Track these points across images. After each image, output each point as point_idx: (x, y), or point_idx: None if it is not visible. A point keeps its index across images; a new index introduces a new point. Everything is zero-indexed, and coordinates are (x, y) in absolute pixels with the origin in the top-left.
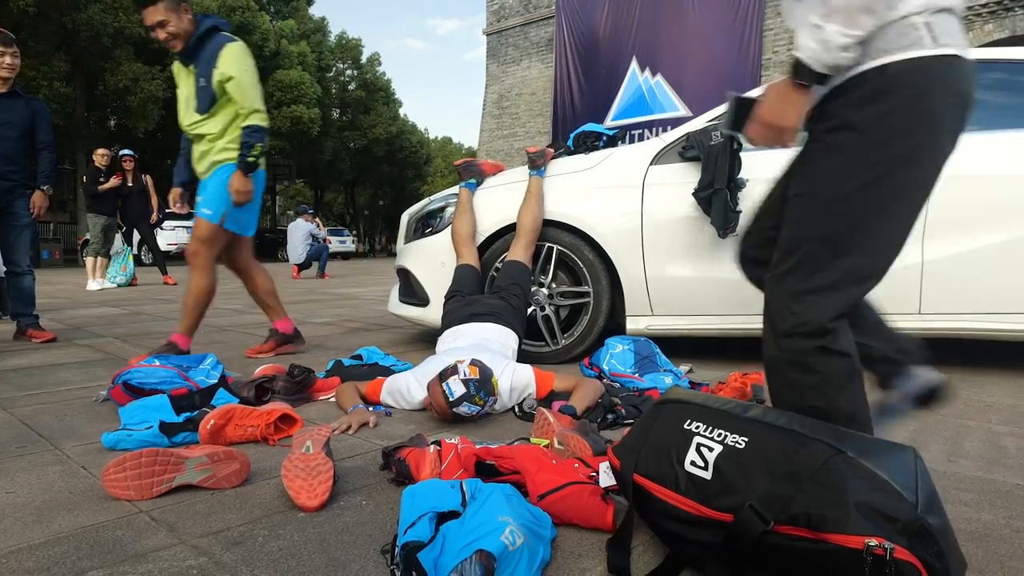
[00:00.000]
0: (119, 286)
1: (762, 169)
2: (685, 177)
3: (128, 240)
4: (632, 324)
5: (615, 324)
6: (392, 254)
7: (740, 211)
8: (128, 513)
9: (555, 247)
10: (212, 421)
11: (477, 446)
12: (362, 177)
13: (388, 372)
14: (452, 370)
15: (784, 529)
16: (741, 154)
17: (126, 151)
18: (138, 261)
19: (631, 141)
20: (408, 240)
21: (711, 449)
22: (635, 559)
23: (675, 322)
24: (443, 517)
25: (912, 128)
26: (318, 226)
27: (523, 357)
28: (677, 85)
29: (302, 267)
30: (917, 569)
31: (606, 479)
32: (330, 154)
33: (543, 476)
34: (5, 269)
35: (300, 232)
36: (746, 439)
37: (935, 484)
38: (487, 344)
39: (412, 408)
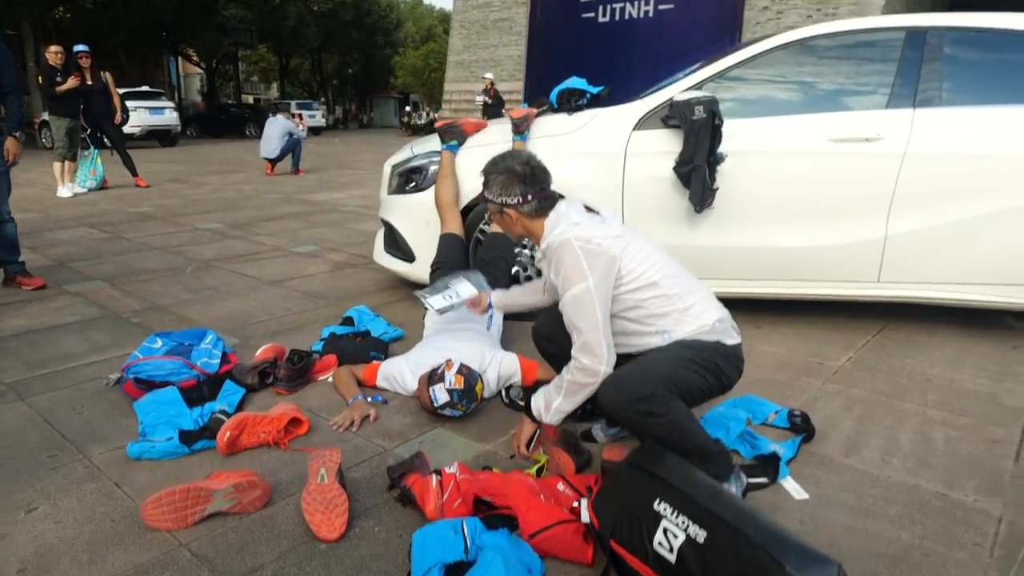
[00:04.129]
0: (90, 190)
1: (741, 142)
2: (667, 145)
3: (94, 142)
4: None
5: None
6: (363, 125)
7: (717, 188)
8: (170, 547)
9: None
10: (228, 433)
11: (472, 472)
12: (329, 43)
13: (380, 343)
14: (439, 377)
15: None
16: (723, 129)
17: (81, 47)
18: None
19: (612, 15)
20: (391, 192)
21: (675, 536)
22: None
23: None
24: (450, 569)
25: None
26: (299, 126)
27: (507, 316)
28: None
29: (275, 162)
30: None
31: (586, 515)
32: (293, 19)
33: (532, 516)
34: None
35: (278, 127)
36: (705, 533)
37: (868, 491)
38: (473, 325)
39: (406, 394)
